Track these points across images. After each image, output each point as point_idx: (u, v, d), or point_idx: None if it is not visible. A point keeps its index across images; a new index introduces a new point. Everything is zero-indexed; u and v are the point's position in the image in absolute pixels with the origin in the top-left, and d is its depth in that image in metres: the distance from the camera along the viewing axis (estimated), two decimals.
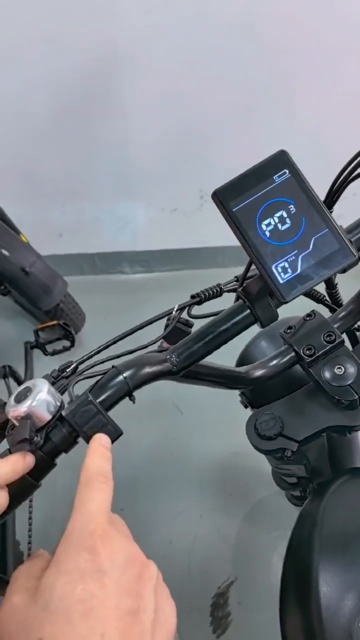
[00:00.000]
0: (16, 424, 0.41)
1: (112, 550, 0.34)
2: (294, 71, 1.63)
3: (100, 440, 0.41)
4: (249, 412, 0.90)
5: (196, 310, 0.59)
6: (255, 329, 0.57)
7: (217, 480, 1.52)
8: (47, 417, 0.41)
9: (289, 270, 0.44)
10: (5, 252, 1.44)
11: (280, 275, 0.44)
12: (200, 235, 2.00)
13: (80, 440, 0.43)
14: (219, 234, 2.01)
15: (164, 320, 0.57)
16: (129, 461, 1.50)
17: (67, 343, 1.40)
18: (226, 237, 1.84)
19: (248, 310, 0.49)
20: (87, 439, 0.41)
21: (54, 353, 1.39)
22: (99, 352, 0.52)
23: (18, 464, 0.40)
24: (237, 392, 0.89)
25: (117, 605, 0.32)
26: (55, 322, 1.32)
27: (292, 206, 0.45)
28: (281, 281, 0.44)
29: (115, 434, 0.42)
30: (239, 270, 0.60)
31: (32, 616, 0.32)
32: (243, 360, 0.83)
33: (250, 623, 1.27)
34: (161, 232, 2.01)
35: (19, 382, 1.41)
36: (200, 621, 1.27)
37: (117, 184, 1.86)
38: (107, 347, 0.52)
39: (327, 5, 1.50)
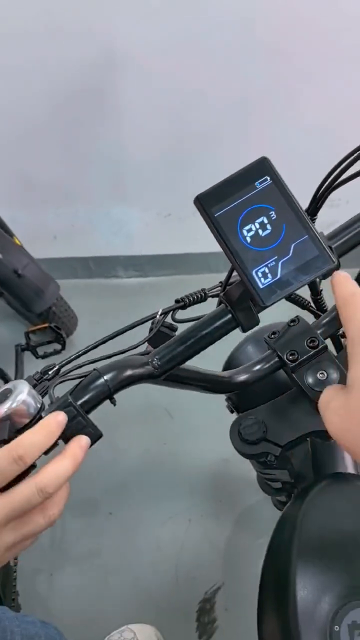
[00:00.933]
0: None
1: None
2: (295, 76, 1.63)
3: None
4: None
5: (180, 314, 0.59)
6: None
7: (206, 486, 1.52)
8: (27, 418, 0.41)
9: (269, 275, 0.45)
10: None
11: (260, 281, 0.45)
12: (194, 241, 2.00)
13: (61, 442, 0.43)
14: (212, 239, 2.03)
15: (149, 324, 0.58)
16: (118, 465, 1.50)
17: (58, 346, 1.40)
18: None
19: (230, 315, 0.49)
20: (66, 441, 0.42)
21: (45, 356, 1.40)
22: (81, 354, 0.53)
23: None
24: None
25: None
26: (46, 324, 1.32)
27: (272, 212, 0.46)
28: (261, 286, 0.45)
29: (95, 436, 0.43)
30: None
31: None
32: (229, 364, 0.84)
33: (236, 629, 1.27)
34: (156, 237, 2.01)
35: None
36: (186, 626, 1.27)
37: (112, 187, 1.87)
38: (90, 349, 0.52)
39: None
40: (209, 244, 1.79)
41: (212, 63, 1.60)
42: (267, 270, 0.45)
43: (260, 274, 0.45)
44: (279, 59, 1.59)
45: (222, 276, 0.56)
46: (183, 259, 2.07)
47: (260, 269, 0.45)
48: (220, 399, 1.22)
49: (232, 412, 0.84)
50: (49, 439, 0.40)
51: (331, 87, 1.65)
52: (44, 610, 1.31)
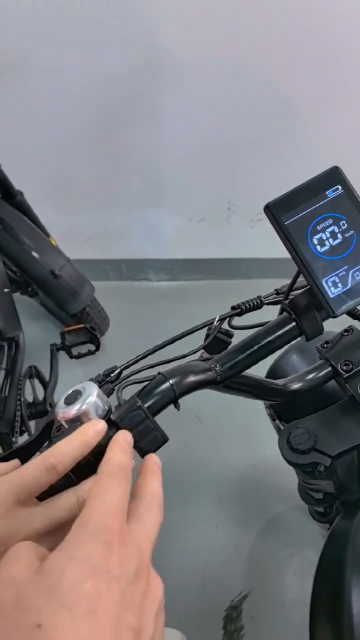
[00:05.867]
0: (65, 425, 0.41)
1: (126, 555, 0.32)
2: (343, 83, 1.63)
3: (125, 436, 0.40)
4: (268, 426, 0.90)
5: (236, 321, 0.59)
6: None
7: (234, 492, 1.51)
8: None
9: (340, 285, 0.44)
10: (35, 255, 1.46)
11: (330, 290, 0.45)
12: (225, 246, 2.01)
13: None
14: (244, 245, 2.03)
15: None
16: None
17: (92, 347, 1.40)
18: (251, 249, 1.86)
19: (294, 323, 0.49)
20: (135, 445, 0.42)
21: (79, 356, 1.40)
22: (140, 359, 0.53)
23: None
24: (257, 406, 0.89)
25: (120, 617, 0.29)
26: (82, 325, 1.33)
27: (343, 222, 0.45)
28: (331, 295, 0.44)
29: (161, 440, 0.43)
30: (263, 282, 0.61)
31: (33, 596, 0.28)
32: (273, 373, 0.83)
33: (263, 638, 1.25)
34: (188, 241, 2.02)
35: (44, 383, 1.42)
36: (213, 634, 1.26)
37: (148, 192, 1.88)
38: (150, 354, 0.53)
39: None
40: (240, 250, 1.80)
41: (252, 70, 1.60)
42: (337, 280, 0.45)
43: (330, 283, 0.45)
44: (323, 67, 1.59)
45: (253, 282, 0.57)
46: (214, 264, 2.08)
47: (330, 277, 0.45)
48: (249, 407, 1.22)
49: (274, 420, 0.84)
50: (84, 447, 0.38)
51: None
52: None
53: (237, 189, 1.87)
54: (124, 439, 0.40)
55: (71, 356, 1.39)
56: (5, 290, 1.31)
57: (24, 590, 0.28)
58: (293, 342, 0.86)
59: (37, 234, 1.49)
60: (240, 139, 1.76)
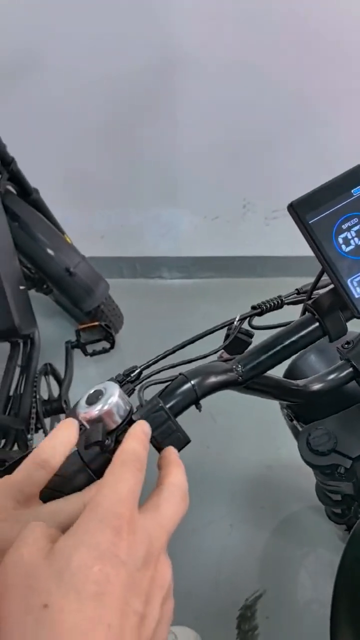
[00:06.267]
0: (86, 425, 0.41)
1: (135, 541, 0.32)
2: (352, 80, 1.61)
3: (143, 427, 0.40)
4: (282, 426, 0.89)
5: (256, 321, 0.59)
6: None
7: (248, 492, 1.50)
8: (118, 420, 0.41)
9: None
10: (50, 252, 1.46)
11: (355, 290, 0.44)
12: (240, 244, 2.00)
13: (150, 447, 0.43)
14: (260, 243, 2.02)
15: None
16: None
17: (107, 344, 1.41)
18: (266, 248, 1.84)
19: (317, 324, 0.48)
20: (157, 446, 0.41)
21: (94, 353, 1.41)
22: (160, 359, 0.52)
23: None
24: (271, 405, 0.88)
25: (126, 601, 0.30)
26: (97, 323, 1.33)
27: None
28: (356, 295, 0.44)
29: (184, 441, 0.42)
30: (279, 281, 0.60)
31: (42, 578, 0.28)
32: (291, 373, 0.82)
33: (277, 638, 1.25)
34: (202, 239, 2.01)
35: (59, 380, 1.43)
36: (227, 633, 1.26)
37: (163, 191, 1.87)
38: (170, 354, 0.52)
39: None
40: (256, 248, 1.79)
41: (268, 68, 1.59)
42: None
43: (355, 283, 0.44)
44: (341, 64, 1.57)
45: (269, 281, 0.56)
46: (228, 262, 2.07)
47: (356, 277, 0.44)
48: (263, 407, 1.20)
49: (291, 420, 0.83)
50: (70, 438, 0.39)
51: None
52: None
53: (253, 186, 1.86)
54: (141, 429, 0.40)
55: (86, 353, 1.40)
56: (21, 287, 1.31)
57: (33, 573, 0.29)
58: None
59: (53, 231, 1.49)
60: (255, 136, 1.75)
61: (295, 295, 0.60)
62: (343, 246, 0.44)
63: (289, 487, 1.49)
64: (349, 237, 0.44)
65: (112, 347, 1.40)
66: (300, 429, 0.73)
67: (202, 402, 0.46)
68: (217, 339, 0.58)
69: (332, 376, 0.61)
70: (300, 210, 0.45)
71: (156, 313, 1.96)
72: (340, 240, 0.44)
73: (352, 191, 0.45)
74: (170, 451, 0.41)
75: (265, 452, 1.55)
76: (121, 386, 0.48)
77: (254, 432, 1.61)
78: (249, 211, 1.90)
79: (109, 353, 1.45)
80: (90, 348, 1.44)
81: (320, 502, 0.88)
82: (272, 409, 1.00)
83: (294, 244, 1.87)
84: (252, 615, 1.29)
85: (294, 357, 0.85)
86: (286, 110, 1.69)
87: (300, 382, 0.60)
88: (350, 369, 0.61)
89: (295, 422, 0.82)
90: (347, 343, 0.63)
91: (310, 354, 0.83)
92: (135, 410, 0.43)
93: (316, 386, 0.60)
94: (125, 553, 0.31)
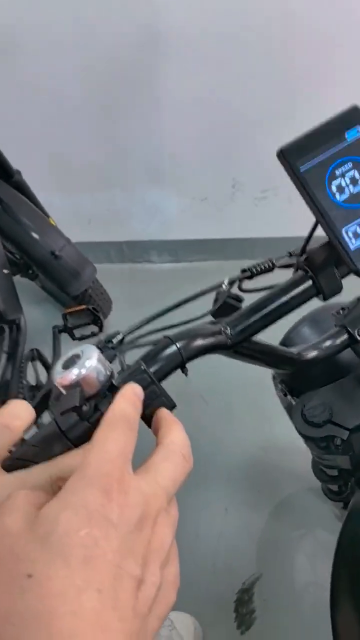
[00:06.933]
0: (63, 392, 0.38)
1: (127, 502, 0.29)
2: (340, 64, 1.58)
3: (134, 388, 0.37)
4: (277, 406, 0.86)
5: (246, 285, 0.55)
6: None
7: (243, 474, 1.48)
8: (97, 385, 0.38)
9: None
10: (35, 235, 1.42)
11: (350, 241, 0.41)
12: (230, 226, 1.96)
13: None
14: (249, 225, 1.98)
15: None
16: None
17: (95, 328, 1.37)
18: (256, 229, 1.81)
19: (310, 282, 0.45)
20: (144, 411, 0.38)
21: (82, 338, 1.37)
22: (145, 324, 0.49)
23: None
24: (264, 384, 0.85)
25: (120, 565, 0.28)
26: (84, 306, 1.29)
27: None
28: (352, 248, 0.41)
29: (169, 406, 0.39)
30: None
31: (26, 546, 0.27)
32: (286, 343, 0.80)
33: (275, 620, 1.23)
34: (191, 222, 1.97)
35: (47, 366, 1.39)
36: (225, 617, 1.24)
37: (149, 172, 1.83)
38: (154, 318, 0.49)
39: None
40: (245, 229, 1.76)
41: (255, 46, 1.55)
42: (358, 230, 0.41)
43: (350, 234, 0.41)
44: (327, 43, 1.54)
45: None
46: (218, 244, 2.03)
47: (350, 227, 0.41)
48: (257, 387, 1.17)
49: (285, 395, 0.80)
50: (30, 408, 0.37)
51: None
52: None
53: (242, 166, 1.82)
54: (132, 391, 0.37)
55: (74, 338, 1.35)
56: (5, 271, 1.27)
57: (19, 540, 0.27)
58: (307, 314, 0.82)
59: (37, 214, 1.45)
60: (243, 115, 1.71)
61: (287, 258, 0.57)
62: (337, 194, 0.41)
63: (283, 469, 1.47)
64: (343, 184, 0.41)
65: (100, 330, 1.36)
66: (294, 403, 0.71)
67: (191, 384, 0.42)
68: (207, 305, 0.55)
69: (327, 343, 0.58)
70: (290, 157, 0.42)
71: (145, 297, 1.92)
72: (334, 188, 0.41)
73: (346, 134, 0.42)
74: (164, 411, 0.39)
75: (259, 434, 1.53)
76: (102, 352, 0.45)
77: (246, 415, 1.59)
78: (238, 191, 1.86)
79: (98, 337, 1.41)
80: (78, 332, 1.40)
81: (316, 479, 0.85)
82: (263, 388, 0.97)
83: (283, 224, 1.84)
84: (250, 599, 1.27)
85: (289, 329, 0.83)
86: (275, 89, 1.65)
87: (294, 349, 0.57)
88: (346, 336, 0.58)
89: (289, 396, 0.80)
90: (343, 309, 0.60)
91: (306, 325, 0.80)
92: (116, 375, 0.40)
93: (310, 354, 0.57)
94: (116, 514, 0.29)
